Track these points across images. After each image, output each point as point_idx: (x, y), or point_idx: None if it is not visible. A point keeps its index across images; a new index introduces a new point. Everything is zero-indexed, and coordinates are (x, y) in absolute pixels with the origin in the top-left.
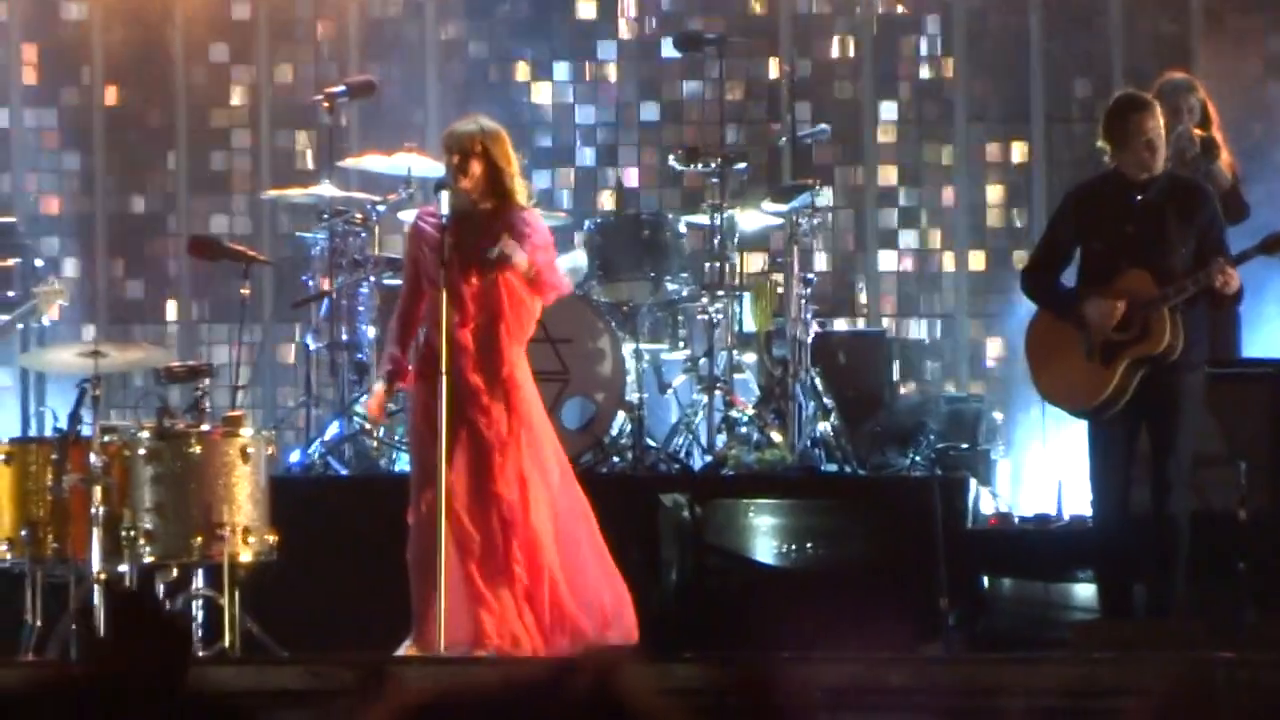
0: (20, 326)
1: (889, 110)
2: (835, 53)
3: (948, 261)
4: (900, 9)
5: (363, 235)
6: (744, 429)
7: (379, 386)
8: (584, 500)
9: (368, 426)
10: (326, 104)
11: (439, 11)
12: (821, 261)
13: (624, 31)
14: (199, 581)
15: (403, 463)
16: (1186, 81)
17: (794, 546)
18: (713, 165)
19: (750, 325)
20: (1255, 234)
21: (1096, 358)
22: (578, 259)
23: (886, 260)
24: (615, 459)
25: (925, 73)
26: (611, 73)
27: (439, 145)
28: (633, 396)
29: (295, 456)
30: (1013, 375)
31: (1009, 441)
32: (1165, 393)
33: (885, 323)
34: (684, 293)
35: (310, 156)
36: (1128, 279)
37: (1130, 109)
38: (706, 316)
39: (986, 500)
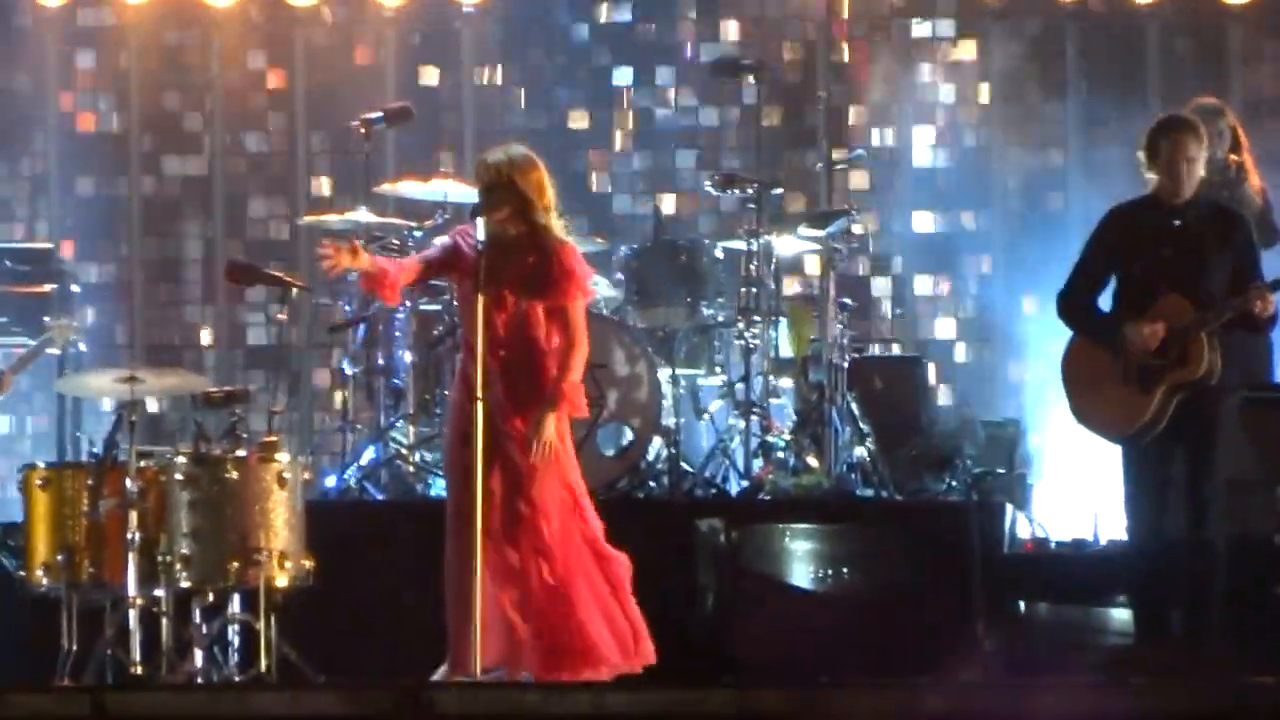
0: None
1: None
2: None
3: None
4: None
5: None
6: (780, 454)
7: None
8: (599, 527)
9: (404, 452)
10: (364, 130)
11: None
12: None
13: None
14: (235, 607)
15: (438, 487)
16: (1216, 106)
17: (830, 572)
18: (749, 191)
19: (786, 350)
20: None
21: (1134, 383)
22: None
23: (922, 284)
24: (651, 484)
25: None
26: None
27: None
28: (669, 422)
29: (331, 481)
30: (1048, 398)
31: (1045, 465)
32: (1202, 417)
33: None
34: (720, 318)
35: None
36: (1165, 303)
37: (1170, 129)
38: (743, 342)
39: (1023, 524)
